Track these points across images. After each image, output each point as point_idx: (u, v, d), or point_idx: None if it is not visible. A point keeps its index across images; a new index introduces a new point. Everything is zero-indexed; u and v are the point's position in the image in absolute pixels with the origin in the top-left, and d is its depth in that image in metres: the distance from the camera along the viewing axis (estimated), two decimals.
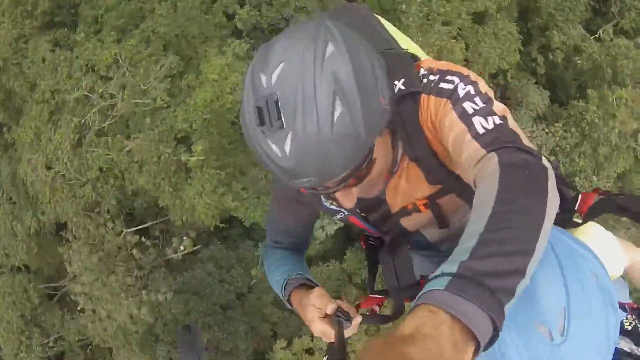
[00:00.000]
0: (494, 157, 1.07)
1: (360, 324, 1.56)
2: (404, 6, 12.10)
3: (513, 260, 0.87)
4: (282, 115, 1.09)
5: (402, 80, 1.31)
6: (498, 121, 1.17)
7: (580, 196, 1.58)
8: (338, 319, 1.50)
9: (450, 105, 1.23)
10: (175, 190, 13.76)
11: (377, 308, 1.79)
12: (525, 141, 1.12)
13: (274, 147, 1.13)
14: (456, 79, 1.26)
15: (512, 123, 1.18)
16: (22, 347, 13.97)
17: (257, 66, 1.15)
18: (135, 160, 13.61)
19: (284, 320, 14.33)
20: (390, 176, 1.47)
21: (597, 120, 12.91)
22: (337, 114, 1.10)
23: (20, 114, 15.07)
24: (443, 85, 1.26)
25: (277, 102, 1.09)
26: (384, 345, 0.75)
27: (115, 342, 14.84)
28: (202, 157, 13.38)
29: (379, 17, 1.68)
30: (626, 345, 1.53)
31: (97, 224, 13.12)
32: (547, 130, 12.82)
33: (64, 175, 13.80)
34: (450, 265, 0.85)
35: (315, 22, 1.19)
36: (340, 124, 1.10)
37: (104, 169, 13.73)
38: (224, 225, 14.15)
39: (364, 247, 1.91)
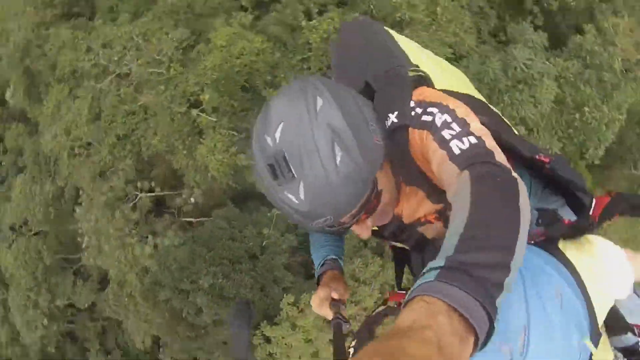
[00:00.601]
0: (467, 172, 1.14)
1: (386, 315, 1.68)
2: None
3: (496, 253, 0.91)
4: (291, 168, 1.22)
5: (396, 113, 1.39)
6: (474, 141, 1.22)
7: (594, 201, 1.56)
8: (337, 321, 1.55)
9: (431, 136, 1.30)
10: (189, 152, 14.21)
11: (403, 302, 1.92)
12: (499, 158, 1.18)
13: (290, 196, 1.25)
14: (435, 110, 1.33)
15: (489, 143, 1.23)
16: (29, 303, 14.01)
17: (261, 129, 1.27)
18: (151, 125, 14.20)
19: (296, 285, 14.00)
20: (398, 202, 1.57)
21: (596, 48, 13.08)
22: (338, 158, 1.23)
23: (43, 97, 15.94)
24: (424, 117, 1.34)
25: (284, 158, 1.22)
26: (380, 342, 0.75)
27: (125, 311, 14.80)
28: (215, 119, 13.88)
29: (392, 32, 1.79)
30: None
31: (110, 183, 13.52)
32: (546, 62, 13.00)
33: (81, 142, 14.43)
34: (438, 261, 0.89)
35: (301, 80, 1.34)
36: (343, 165, 1.23)
37: (121, 137, 14.35)
38: (236, 185, 14.40)
39: (390, 247, 2.00)
